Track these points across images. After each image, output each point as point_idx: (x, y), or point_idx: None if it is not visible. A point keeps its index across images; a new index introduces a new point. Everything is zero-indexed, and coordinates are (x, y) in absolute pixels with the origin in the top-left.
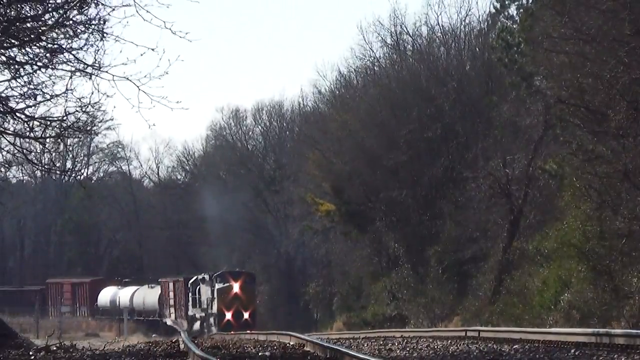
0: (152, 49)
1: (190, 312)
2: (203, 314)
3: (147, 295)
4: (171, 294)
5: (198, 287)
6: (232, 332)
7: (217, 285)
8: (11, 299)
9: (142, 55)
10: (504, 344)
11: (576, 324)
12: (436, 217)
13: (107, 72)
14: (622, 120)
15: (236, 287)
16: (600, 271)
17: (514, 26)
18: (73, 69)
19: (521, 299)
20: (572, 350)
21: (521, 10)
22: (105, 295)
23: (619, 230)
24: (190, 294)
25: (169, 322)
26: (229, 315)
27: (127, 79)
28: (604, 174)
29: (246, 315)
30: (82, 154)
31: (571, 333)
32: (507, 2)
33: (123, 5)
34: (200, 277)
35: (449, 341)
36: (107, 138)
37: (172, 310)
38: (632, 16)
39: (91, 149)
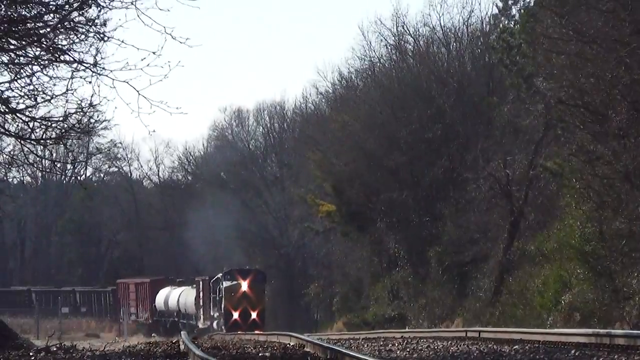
0: (154, 52)
1: (211, 312)
2: (218, 314)
3: (188, 296)
4: (201, 294)
5: (219, 286)
6: (239, 332)
7: (225, 284)
8: (89, 299)
9: (143, 59)
10: (504, 345)
11: (576, 324)
12: (436, 218)
13: (107, 76)
14: (623, 120)
15: (244, 286)
16: (600, 272)
17: (516, 27)
18: (73, 70)
19: (521, 300)
20: (573, 351)
21: (522, 10)
22: (161, 297)
23: (619, 231)
24: (211, 294)
25: (200, 325)
26: (236, 315)
27: (127, 83)
28: (604, 174)
29: (254, 315)
30: (81, 155)
31: (572, 334)
32: (509, 3)
33: (123, 7)
34: (220, 275)
35: (450, 342)
36: (104, 138)
37: (202, 311)
38: (632, 16)
39: (90, 149)
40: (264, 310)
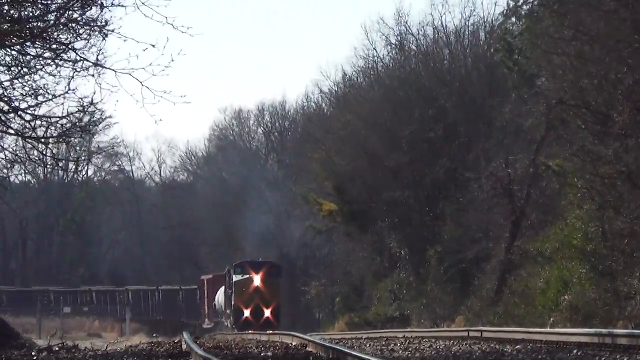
0: (153, 45)
1: (227, 310)
2: (229, 311)
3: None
4: (228, 290)
5: (230, 281)
6: (250, 332)
7: (236, 278)
8: (172, 297)
9: (144, 51)
10: (506, 345)
11: (578, 324)
12: (438, 217)
13: (109, 68)
14: (625, 121)
15: (257, 280)
16: (602, 272)
17: (521, 27)
18: (76, 67)
19: (523, 300)
20: (575, 351)
21: (530, 11)
22: (219, 294)
23: (621, 231)
24: (227, 289)
25: (227, 323)
26: (247, 313)
27: (130, 74)
28: (606, 174)
29: (268, 313)
30: (83, 154)
31: (574, 334)
32: (519, 2)
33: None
34: (232, 269)
35: (452, 341)
36: (106, 136)
37: (224, 309)
38: (634, 16)
39: (92, 148)
40: (279, 307)
